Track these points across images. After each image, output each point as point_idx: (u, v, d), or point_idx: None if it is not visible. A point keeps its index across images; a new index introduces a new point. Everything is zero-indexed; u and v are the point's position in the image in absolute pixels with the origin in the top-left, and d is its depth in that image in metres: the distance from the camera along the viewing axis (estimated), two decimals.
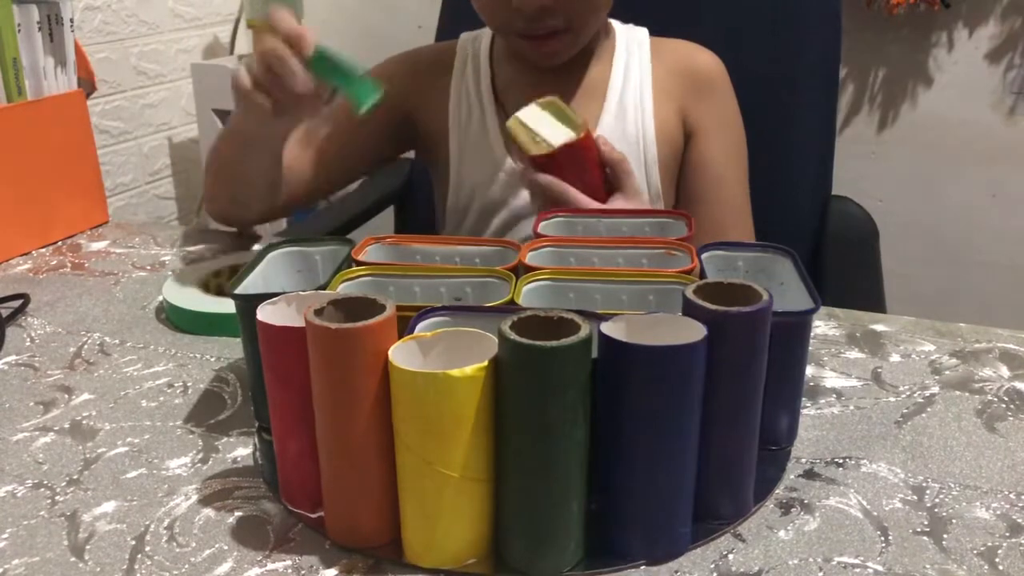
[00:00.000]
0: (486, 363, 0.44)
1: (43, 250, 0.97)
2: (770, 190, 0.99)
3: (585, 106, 0.94)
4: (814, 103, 1.10)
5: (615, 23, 0.97)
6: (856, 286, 1.08)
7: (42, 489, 0.55)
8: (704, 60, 0.96)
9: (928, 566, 0.48)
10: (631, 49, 0.95)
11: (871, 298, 1.07)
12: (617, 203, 0.80)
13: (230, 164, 0.88)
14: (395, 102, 0.95)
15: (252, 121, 0.79)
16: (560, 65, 0.91)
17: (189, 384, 0.68)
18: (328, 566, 0.48)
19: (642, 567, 0.48)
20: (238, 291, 0.57)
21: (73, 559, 0.49)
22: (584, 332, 0.44)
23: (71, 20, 0.98)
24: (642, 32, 0.98)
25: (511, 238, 0.86)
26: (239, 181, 0.89)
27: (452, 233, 1.00)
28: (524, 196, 0.90)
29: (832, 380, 0.68)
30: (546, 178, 0.78)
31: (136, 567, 0.48)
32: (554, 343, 0.43)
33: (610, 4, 0.89)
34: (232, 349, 0.73)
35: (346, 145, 0.97)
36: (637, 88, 0.94)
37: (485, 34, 0.99)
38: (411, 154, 1.08)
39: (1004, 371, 0.69)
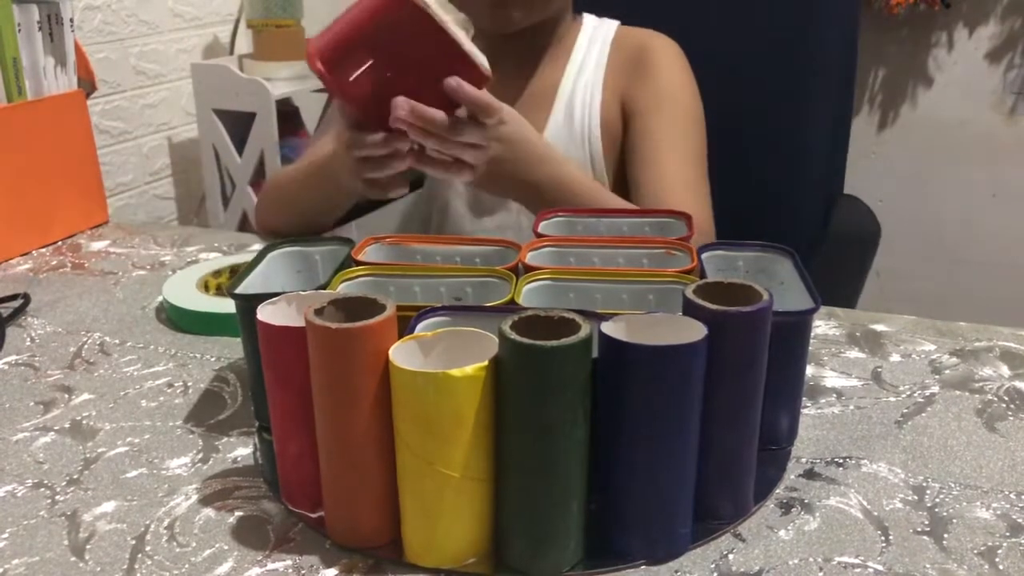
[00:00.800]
0: (486, 363, 0.44)
1: (43, 250, 0.97)
2: (781, 187, 0.99)
3: (535, 108, 0.92)
4: (828, 101, 1.10)
5: (589, 17, 0.97)
6: (843, 285, 1.08)
7: (42, 489, 0.55)
8: (650, 43, 0.94)
9: (928, 566, 0.48)
10: (592, 46, 0.94)
11: (851, 298, 1.07)
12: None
13: (299, 200, 0.90)
14: None
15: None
16: (512, 66, 0.90)
17: (189, 384, 0.68)
18: (328, 566, 0.48)
19: (642, 567, 0.48)
20: (238, 291, 0.57)
21: (73, 559, 0.49)
22: (584, 332, 0.44)
23: (71, 20, 0.98)
24: (610, 25, 0.97)
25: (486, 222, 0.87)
26: (304, 213, 0.92)
27: (432, 219, 1.00)
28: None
29: (832, 380, 0.68)
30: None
31: (136, 567, 0.48)
32: (554, 343, 0.43)
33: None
34: (232, 349, 0.73)
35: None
36: (589, 85, 0.93)
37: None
38: None
39: (1004, 370, 0.69)
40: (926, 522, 0.51)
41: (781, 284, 0.60)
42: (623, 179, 0.93)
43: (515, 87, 0.93)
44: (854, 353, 0.72)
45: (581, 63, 0.93)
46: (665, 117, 0.90)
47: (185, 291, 0.79)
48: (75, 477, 0.56)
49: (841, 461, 0.57)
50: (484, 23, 0.89)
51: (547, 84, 0.94)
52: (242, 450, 0.59)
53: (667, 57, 0.93)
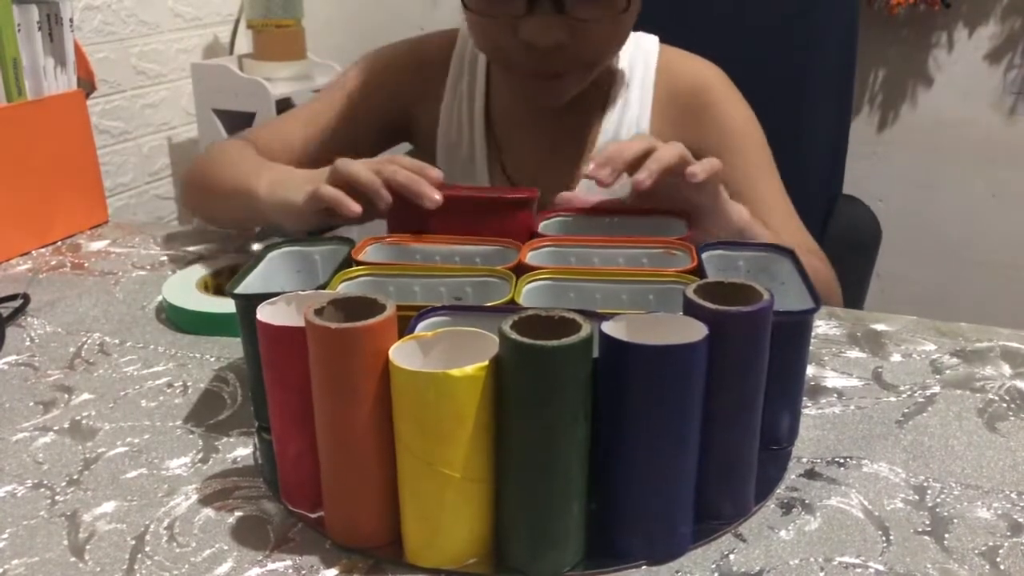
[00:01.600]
0: (486, 363, 0.44)
1: (43, 250, 0.97)
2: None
3: (576, 151, 0.87)
4: (828, 102, 1.10)
5: None
6: (847, 287, 1.07)
7: (42, 489, 0.55)
8: (702, 83, 0.88)
9: (929, 566, 0.48)
10: (634, 72, 0.88)
11: (857, 300, 1.07)
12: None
13: (231, 209, 0.85)
14: (393, 97, 0.93)
15: (307, 209, 0.72)
16: (545, 109, 0.85)
17: (189, 384, 0.68)
18: (328, 566, 0.48)
19: (642, 567, 0.48)
20: (238, 291, 0.57)
21: (73, 559, 0.49)
22: (585, 332, 0.44)
23: (71, 20, 0.98)
24: (651, 46, 0.90)
25: None
26: (231, 220, 0.88)
27: None
28: None
29: (833, 380, 0.68)
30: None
31: (136, 567, 0.48)
32: (554, 343, 0.42)
33: (627, 36, 0.81)
34: (232, 349, 0.73)
35: (343, 141, 0.92)
36: (633, 126, 0.87)
37: None
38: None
39: (1005, 370, 0.69)
40: (927, 522, 0.51)
41: (781, 284, 0.60)
42: None
43: (551, 130, 0.87)
44: (855, 353, 0.72)
45: (625, 98, 0.87)
46: (746, 157, 0.87)
47: (185, 291, 0.79)
48: (75, 477, 0.56)
49: (842, 461, 0.57)
50: (532, 98, 0.83)
51: (590, 122, 0.87)
52: (242, 450, 0.59)
53: (727, 94, 0.89)
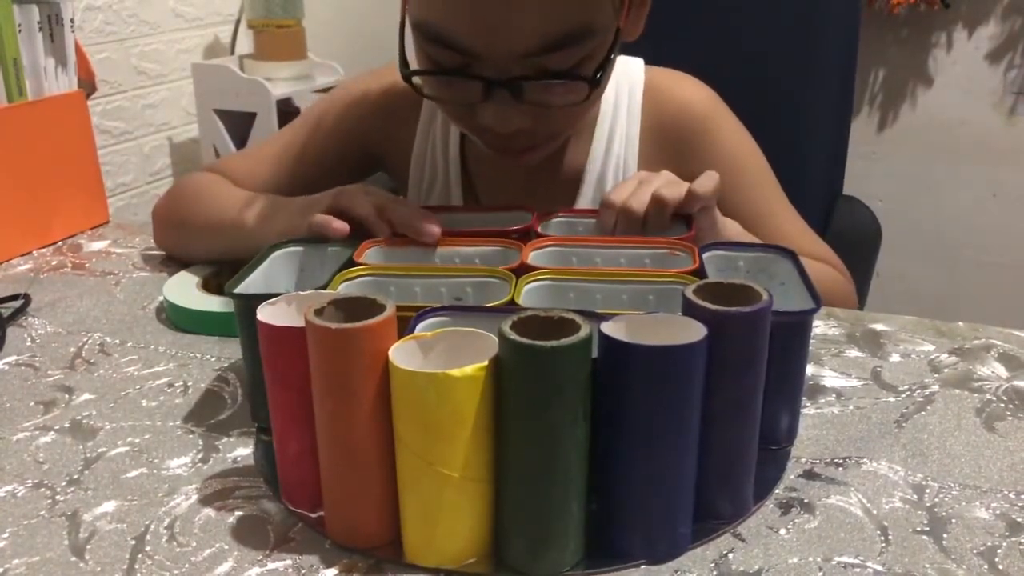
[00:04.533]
0: (486, 363, 0.44)
1: (43, 250, 0.97)
2: (781, 187, 0.99)
3: (560, 190, 0.84)
4: (828, 102, 1.10)
5: None
6: None
7: (42, 489, 0.55)
8: (692, 109, 0.84)
9: (928, 566, 0.48)
10: (620, 102, 0.84)
11: (858, 299, 1.07)
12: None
13: (211, 243, 0.82)
14: (359, 141, 0.89)
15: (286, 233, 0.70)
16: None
17: (189, 384, 0.68)
18: (328, 566, 0.48)
19: (642, 567, 0.48)
20: (237, 291, 0.57)
21: (73, 559, 0.49)
22: (584, 332, 0.44)
23: (71, 20, 0.98)
24: (636, 71, 0.85)
25: None
26: (207, 254, 0.84)
27: None
28: None
29: (832, 379, 0.68)
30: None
31: (136, 567, 0.48)
32: (554, 343, 0.43)
33: (597, 104, 0.79)
34: (232, 349, 0.73)
35: (312, 178, 0.87)
36: (621, 161, 0.83)
37: None
38: None
39: (1003, 370, 0.69)
40: (925, 522, 0.51)
41: (782, 284, 0.60)
42: None
43: (530, 172, 0.82)
44: (854, 353, 0.72)
45: (610, 131, 0.83)
46: (750, 183, 0.84)
47: (185, 291, 0.79)
48: (75, 477, 0.56)
49: (841, 461, 0.57)
50: (502, 159, 0.78)
51: (573, 160, 0.83)
52: (242, 450, 0.59)
53: (718, 123, 0.84)
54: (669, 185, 0.68)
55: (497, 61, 0.66)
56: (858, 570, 0.48)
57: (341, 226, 0.66)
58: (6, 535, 0.51)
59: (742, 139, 0.86)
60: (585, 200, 0.84)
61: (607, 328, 0.46)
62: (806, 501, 0.53)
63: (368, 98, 0.89)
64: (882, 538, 0.50)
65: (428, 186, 0.88)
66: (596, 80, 0.67)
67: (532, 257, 0.63)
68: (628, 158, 0.83)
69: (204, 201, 0.84)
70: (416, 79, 0.71)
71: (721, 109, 0.86)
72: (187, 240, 0.88)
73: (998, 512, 0.52)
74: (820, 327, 0.76)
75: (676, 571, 0.48)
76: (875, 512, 0.52)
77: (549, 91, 0.68)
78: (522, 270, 0.60)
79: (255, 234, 0.76)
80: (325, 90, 1.86)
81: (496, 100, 0.68)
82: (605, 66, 0.68)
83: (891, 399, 0.65)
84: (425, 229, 0.65)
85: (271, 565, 0.48)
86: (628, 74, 0.85)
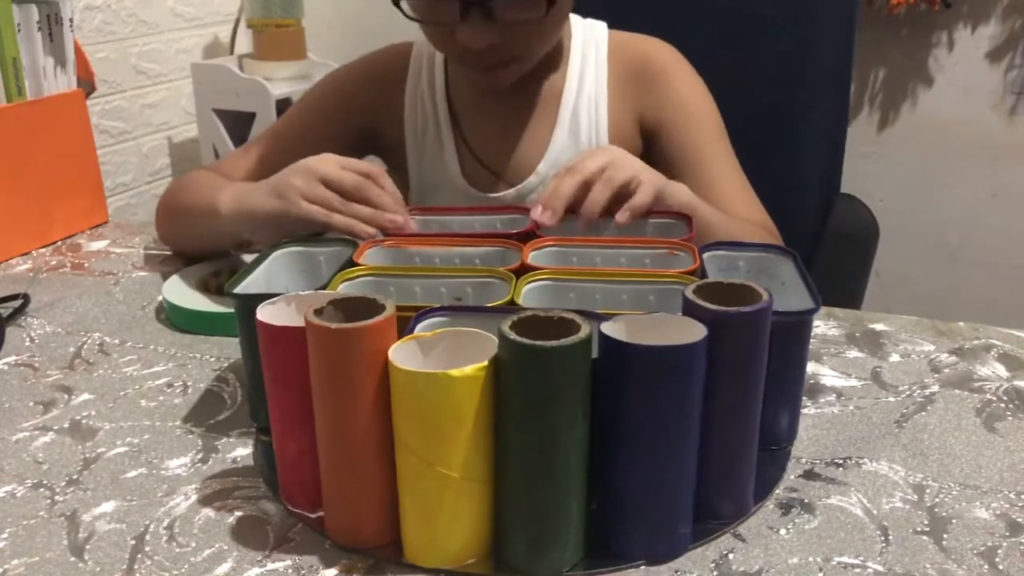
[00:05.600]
0: (486, 363, 0.44)
1: (43, 250, 0.97)
2: (779, 187, 0.99)
3: (538, 122, 0.92)
4: (826, 101, 1.10)
5: (575, 18, 0.94)
6: (844, 285, 1.07)
7: (42, 489, 0.55)
8: (654, 54, 0.93)
9: (928, 566, 0.48)
10: (587, 52, 0.93)
11: (856, 298, 1.07)
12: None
13: (197, 232, 0.86)
14: (352, 117, 0.94)
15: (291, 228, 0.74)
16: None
17: (189, 384, 0.68)
18: (328, 566, 0.48)
19: (642, 567, 0.48)
20: (236, 291, 0.57)
21: (73, 559, 0.49)
22: (584, 332, 0.44)
23: (71, 20, 0.98)
24: (600, 29, 0.95)
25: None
26: (197, 244, 0.89)
27: None
28: None
29: (832, 380, 0.68)
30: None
31: (136, 567, 0.48)
32: (554, 343, 0.43)
33: (561, 30, 0.87)
34: (232, 349, 0.73)
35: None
36: (592, 97, 0.91)
37: None
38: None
39: (1003, 370, 0.69)
40: (926, 522, 0.51)
41: (782, 284, 0.60)
42: None
43: (515, 97, 0.92)
44: (854, 353, 0.72)
45: (580, 72, 0.92)
46: (699, 129, 0.90)
47: (185, 291, 0.79)
48: (75, 477, 0.56)
49: (841, 461, 0.57)
50: (479, 84, 0.90)
51: (548, 94, 0.92)
52: (242, 450, 0.59)
53: (675, 67, 0.93)
54: (607, 172, 0.71)
55: None
56: (858, 570, 0.48)
57: (370, 230, 0.70)
58: (5, 535, 0.51)
59: (696, 91, 0.93)
60: (561, 126, 0.92)
61: (607, 328, 0.46)
62: (806, 501, 0.53)
63: (356, 75, 0.97)
64: (882, 538, 0.50)
65: (422, 134, 0.95)
66: None
67: (532, 257, 0.63)
68: (598, 95, 0.92)
69: (191, 191, 0.88)
70: (403, 4, 0.82)
71: (681, 62, 0.93)
72: (177, 229, 0.92)
73: (998, 512, 0.52)
74: (820, 327, 0.76)
75: (676, 571, 0.48)
76: (875, 512, 0.52)
77: (515, 8, 0.79)
78: (522, 270, 0.60)
79: (229, 218, 0.79)
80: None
81: (471, 19, 0.78)
82: None
83: (891, 399, 0.65)
84: (384, 223, 0.70)
85: (271, 565, 0.48)
86: (594, 30, 0.95)
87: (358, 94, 0.95)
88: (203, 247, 0.88)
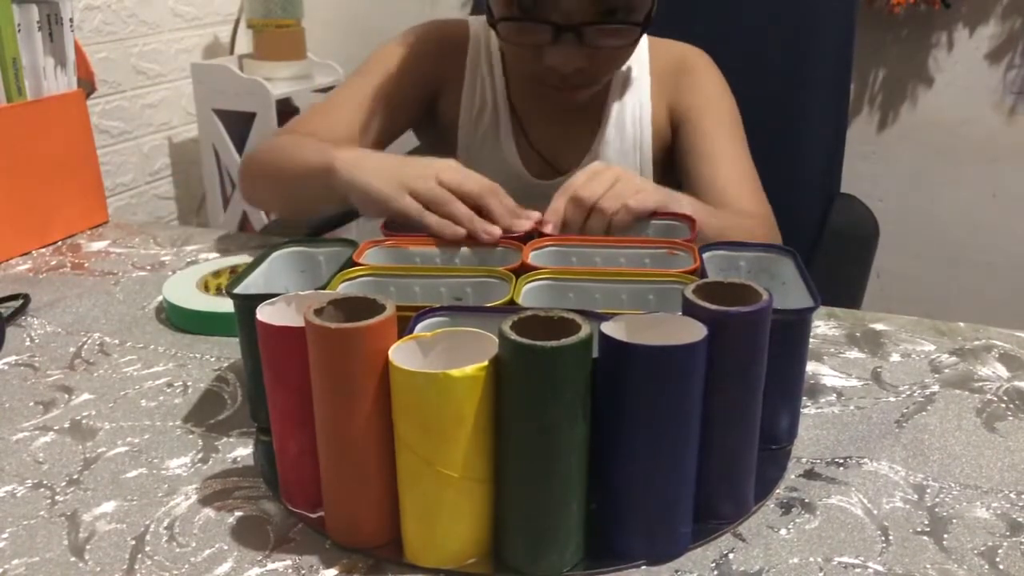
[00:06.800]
0: (486, 363, 0.44)
1: (43, 250, 0.97)
2: (779, 187, 0.99)
3: (587, 115, 0.95)
4: (826, 101, 1.10)
5: None
6: (845, 285, 1.08)
7: (42, 489, 0.55)
8: (689, 54, 0.99)
9: (928, 566, 0.48)
10: (631, 60, 0.96)
11: (856, 298, 1.07)
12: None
13: (302, 190, 0.87)
14: (422, 77, 0.97)
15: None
16: None
17: (189, 384, 0.68)
18: (328, 566, 0.48)
19: (642, 567, 0.48)
20: (236, 291, 0.57)
21: (73, 559, 0.49)
22: (584, 332, 0.44)
23: (71, 20, 0.98)
24: (641, 39, 0.97)
25: None
26: (297, 204, 0.92)
27: None
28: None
29: (832, 379, 0.68)
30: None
31: (136, 567, 0.48)
32: (554, 343, 0.43)
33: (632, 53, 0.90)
34: (232, 349, 0.73)
35: (381, 127, 0.96)
36: (637, 98, 0.96)
37: None
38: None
39: (1003, 371, 0.69)
40: (926, 522, 0.51)
41: (783, 284, 0.60)
42: (668, 181, 0.93)
43: (567, 108, 0.94)
44: (854, 353, 0.72)
45: (626, 71, 0.96)
46: (716, 117, 0.95)
47: (185, 291, 0.79)
48: (75, 477, 0.56)
49: (841, 461, 0.57)
50: (551, 97, 0.90)
51: (595, 106, 0.96)
52: (242, 450, 0.59)
53: (706, 67, 0.98)
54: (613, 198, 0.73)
55: (566, 9, 0.80)
56: (859, 570, 0.48)
57: (460, 232, 0.69)
58: (6, 535, 0.51)
59: (719, 88, 0.98)
60: (608, 126, 0.96)
61: (607, 328, 0.46)
62: (807, 501, 0.53)
63: (421, 42, 0.99)
64: (883, 538, 0.50)
65: (478, 114, 0.98)
66: (645, 24, 0.84)
67: (532, 257, 0.63)
68: (643, 95, 0.97)
69: (295, 151, 0.88)
70: (497, 23, 0.85)
71: (711, 65, 0.99)
72: (280, 190, 0.92)
73: (999, 512, 0.52)
74: (820, 327, 0.76)
75: (676, 571, 0.48)
76: (876, 512, 0.52)
77: (606, 34, 0.82)
78: (522, 270, 0.60)
79: (345, 181, 0.77)
80: (325, 90, 1.86)
81: (563, 42, 0.81)
82: (651, 12, 0.84)
83: (891, 399, 0.65)
84: (481, 230, 0.68)
85: (271, 565, 0.48)
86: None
87: (428, 54, 0.97)
88: (305, 207, 0.92)
